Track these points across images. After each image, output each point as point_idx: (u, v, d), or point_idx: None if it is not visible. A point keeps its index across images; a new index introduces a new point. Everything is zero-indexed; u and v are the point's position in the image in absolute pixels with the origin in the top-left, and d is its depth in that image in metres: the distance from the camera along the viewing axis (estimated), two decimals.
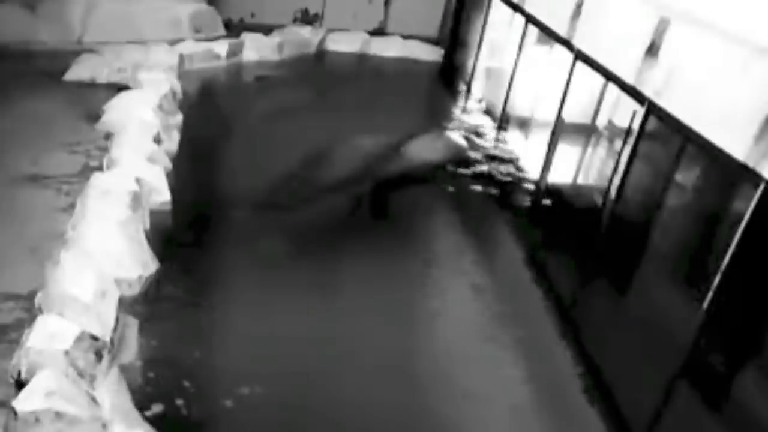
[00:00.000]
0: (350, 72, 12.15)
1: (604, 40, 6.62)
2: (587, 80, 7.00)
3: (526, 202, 8.00)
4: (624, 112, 6.07)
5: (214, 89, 10.23)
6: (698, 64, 5.01)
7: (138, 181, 6.05)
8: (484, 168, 8.54)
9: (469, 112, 10.63)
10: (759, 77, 4.28)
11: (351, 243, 6.61)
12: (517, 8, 9.46)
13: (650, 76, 5.54)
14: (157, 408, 4.32)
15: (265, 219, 6.50)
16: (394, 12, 13.58)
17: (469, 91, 11.34)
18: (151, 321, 5.04)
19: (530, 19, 8.93)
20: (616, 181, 6.01)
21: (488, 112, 10.46)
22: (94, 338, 4.31)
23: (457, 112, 10.70)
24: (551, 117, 7.73)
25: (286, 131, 8.49)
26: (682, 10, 5.38)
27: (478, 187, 8.23)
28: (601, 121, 6.87)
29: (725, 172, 4.64)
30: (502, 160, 8.76)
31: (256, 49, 11.42)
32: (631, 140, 5.83)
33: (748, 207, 4.22)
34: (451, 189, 8.08)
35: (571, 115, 7.49)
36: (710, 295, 4.46)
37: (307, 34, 12.40)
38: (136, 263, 5.34)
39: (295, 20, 13.19)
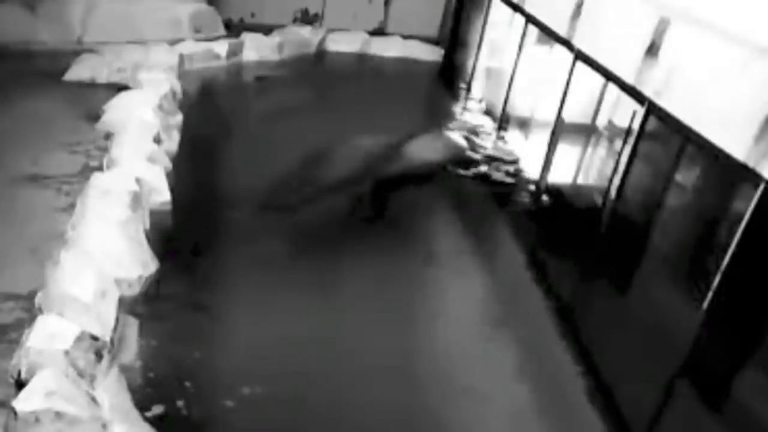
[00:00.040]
0: (350, 72, 12.15)
1: (604, 40, 6.63)
2: (587, 80, 7.00)
3: (526, 202, 8.00)
4: (624, 112, 6.07)
5: (214, 89, 10.23)
6: (698, 64, 5.00)
7: (138, 181, 6.06)
8: (484, 168, 8.54)
9: (469, 112, 10.63)
10: (759, 77, 4.28)
11: (351, 243, 6.61)
12: (517, 8, 9.46)
13: (650, 76, 5.54)
14: (157, 408, 4.32)
15: (265, 219, 6.50)
16: (394, 12, 13.58)
17: (469, 91, 11.34)
18: (151, 321, 5.04)
19: (530, 19, 8.93)
20: (616, 181, 6.01)
21: (488, 112, 10.46)
22: (94, 338, 4.31)
23: (457, 112, 10.70)
24: (551, 117, 7.73)
25: (286, 131, 8.50)
26: (682, 10, 5.38)
27: (478, 187, 8.23)
28: (601, 121, 6.87)
29: (725, 172, 4.64)
30: (502, 160, 8.76)
31: (256, 49, 11.43)
32: (631, 140, 5.83)
33: (748, 207, 4.22)
34: (451, 189, 8.08)
35: (571, 115, 7.49)
36: (710, 295, 4.46)
37: (307, 34, 12.40)
38: (136, 263, 5.35)
39: (295, 20, 13.19)
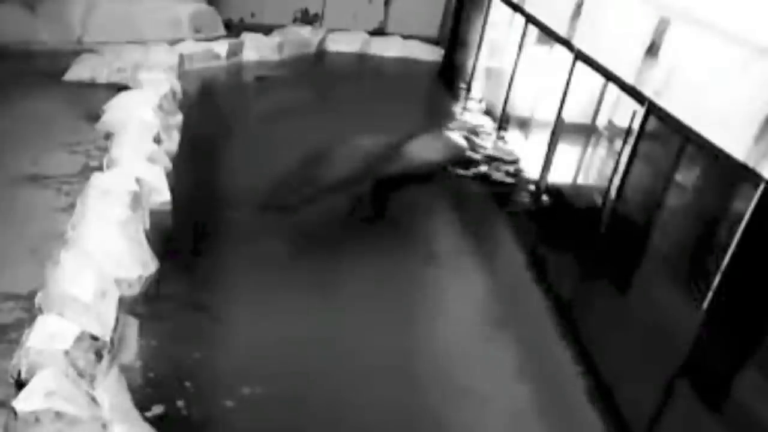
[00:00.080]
0: (350, 72, 12.15)
1: (604, 40, 6.63)
2: (587, 80, 7.00)
3: (526, 202, 8.00)
4: (624, 112, 6.07)
5: (214, 89, 10.23)
6: (698, 64, 5.01)
7: (138, 181, 6.05)
8: (484, 168, 8.54)
9: (469, 112, 10.63)
10: (759, 77, 4.28)
11: (351, 243, 6.61)
12: (517, 8, 9.46)
13: (650, 76, 5.54)
14: (157, 408, 4.32)
15: (265, 219, 6.50)
16: (394, 12, 13.58)
17: (469, 91, 11.34)
18: (151, 321, 5.04)
19: (530, 19, 8.93)
20: (616, 181, 6.01)
21: (488, 112, 10.46)
22: (94, 338, 4.31)
23: (457, 112, 10.70)
24: (551, 117, 7.73)
25: (286, 131, 8.50)
26: (682, 10, 5.38)
27: (478, 187, 8.23)
28: (601, 121, 6.87)
29: (725, 172, 4.64)
30: (502, 160, 8.76)
31: (256, 49, 11.43)
32: (631, 140, 5.84)
33: (748, 207, 4.22)
34: (451, 189, 8.08)
35: (571, 115, 7.49)
36: (710, 295, 4.46)
37: (307, 34, 12.40)
38: (136, 263, 5.35)
39: (295, 20, 13.19)
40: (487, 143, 9.31)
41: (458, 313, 6.00)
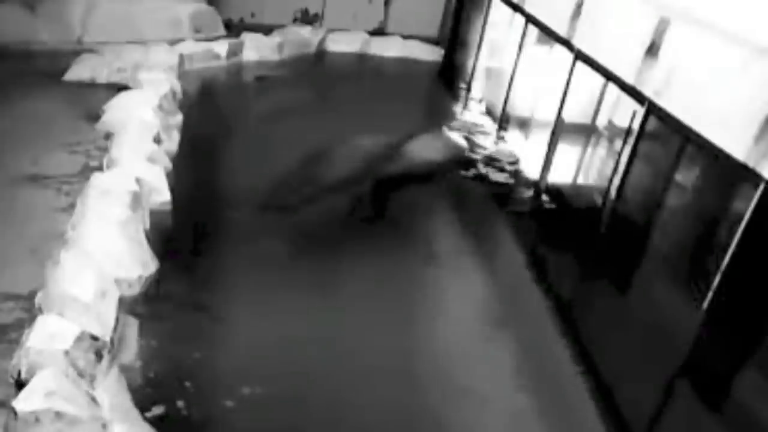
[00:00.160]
0: (350, 72, 12.15)
1: (604, 40, 6.63)
2: (587, 80, 7.00)
3: (526, 202, 8.00)
4: (624, 112, 6.08)
5: (214, 89, 10.23)
6: (698, 64, 5.01)
7: (138, 181, 6.05)
8: (484, 168, 8.54)
9: (469, 112, 10.63)
10: (759, 77, 4.28)
11: (351, 243, 6.61)
12: (517, 8, 9.46)
13: (650, 76, 5.54)
14: (157, 408, 4.32)
15: (265, 219, 6.50)
16: (394, 12, 13.58)
17: (469, 91, 11.34)
18: (151, 321, 5.04)
19: (530, 19, 8.93)
20: (616, 181, 6.01)
21: (488, 112, 10.46)
22: (94, 338, 4.31)
23: (457, 112, 10.70)
24: (551, 117, 7.73)
25: (286, 131, 8.50)
26: (682, 10, 5.38)
27: (478, 187, 8.23)
28: (601, 121, 6.87)
29: (725, 172, 4.64)
30: (502, 161, 8.76)
31: (256, 49, 11.43)
32: (631, 140, 5.84)
33: (748, 207, 4.22)
34: (451, 189, 8.08)
35: (571, 115, 7.49)
36: (710, 295, 4.46)
37: (307, 34, 12.41)
38: (136, 263, 5.34)
39: (295, 20, 13.19)
40: (487, 143, 9.32)
41: (458, 313, 6.00)
